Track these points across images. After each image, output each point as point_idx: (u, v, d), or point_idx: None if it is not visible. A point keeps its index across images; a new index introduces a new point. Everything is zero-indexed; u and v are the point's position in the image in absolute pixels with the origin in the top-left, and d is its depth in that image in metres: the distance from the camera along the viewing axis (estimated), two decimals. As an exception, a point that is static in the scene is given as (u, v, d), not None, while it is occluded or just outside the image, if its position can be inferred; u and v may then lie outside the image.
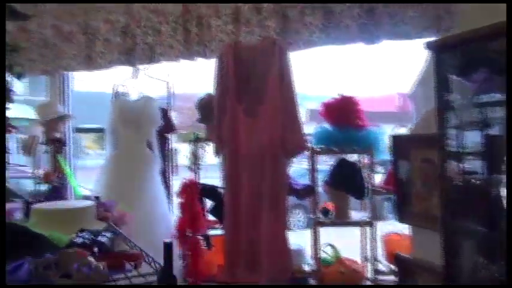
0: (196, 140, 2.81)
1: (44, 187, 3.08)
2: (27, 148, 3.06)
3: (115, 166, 2.88)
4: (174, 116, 3.05)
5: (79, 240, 1.35)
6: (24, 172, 3.18)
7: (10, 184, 2.90)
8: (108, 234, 1.44)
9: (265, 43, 2.59)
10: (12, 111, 2.62)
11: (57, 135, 3.18)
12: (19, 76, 2.33)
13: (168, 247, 1.05)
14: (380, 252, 2.69)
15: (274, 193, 2.50)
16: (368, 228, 2.71)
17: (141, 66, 3.10)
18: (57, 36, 3.31)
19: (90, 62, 3.27)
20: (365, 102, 2.85)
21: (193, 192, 2.73)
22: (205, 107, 2.74)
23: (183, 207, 2.72)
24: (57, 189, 3.04)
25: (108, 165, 2.90)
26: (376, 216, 2.65)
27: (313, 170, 2.71)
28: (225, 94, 2.60)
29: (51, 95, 3.51)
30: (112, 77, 3.12)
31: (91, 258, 1.14)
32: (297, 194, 2.58)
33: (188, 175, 2.81)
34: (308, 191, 2.61)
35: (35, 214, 1.63)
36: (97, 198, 1.89)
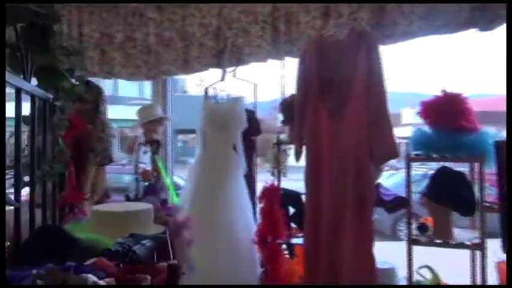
0: (278, 143, 2.64)
1: (143, 184, 3.20)
2: (129, 147, 3.23)
3: (202, 166, 2.87)
4: (260, 118, 2.93)
5: (117, 247, 1.29)
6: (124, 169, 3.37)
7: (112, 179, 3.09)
8: (149, 243, 1.35)
9: (351, 36, 2.30)
10: (121, 112, 2.77)
11: (156, 136, 3.30)
12: (81, 80, 2.42)
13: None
14: (492, 281, 2.20)
15: (358, 202, 2.21)
16: (478, 252, 2.23)
17: (229, 69, 3.05)
18: (159, 43, 3.44)
19: (187, 66, 3.34)
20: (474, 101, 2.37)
21: (274, 197, 2.57)
22: (288, 108, 2.56)
23: (264, 212, 2.59)
24: (153, 187, 3.15)
25: (195, 166, 2.91)
26: (486, 236, 2.16)
27: (408, 180, 2.33)
28: (306, 93, 2.38)
29: (155, 98, 3.67)
30: (205, 80, 3.12)
31: (95, 278, 1.05)
32: (385, 207, 2.24)
33: (272, 179, 2.65)
34: (397, 204, 2.25)
35: (94, 215, 1.64)
36: (164, 201, 1.84)
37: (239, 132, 2.87)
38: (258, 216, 2.64)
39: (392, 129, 2.22)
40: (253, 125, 2.92)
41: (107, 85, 3.29)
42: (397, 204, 2.24)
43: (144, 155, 3.26)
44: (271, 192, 2.58)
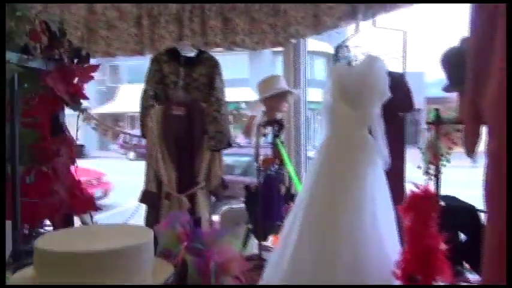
0: (437, 122, 1.55)
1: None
2: (247, 129, 2.56)
3: (324, 155, 1.98)
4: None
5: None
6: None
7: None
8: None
9: None
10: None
11: (279, 115, 2.54)
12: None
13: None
14: None
15: None
16: None
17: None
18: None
19: (317, 23, 2.46)
20: None
21: (429, 211, 1.52)
22: (457, 62, 1.44)
23: (411, 233, 1.56)
24: (271, 179, 2.41)
25: (317, 155, 2.03)
26: None
27: None
28: (487, 46, 1.24)
29: (285, 69, 2.90)
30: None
31: None
32: None
33: (425, 181, 1.59)
34: None
35: (37, 254, 0.96)
36: (197, 221, 1.07)
37: (377, 106, 1.86)
38: (403, 237, 1.62)
39: None
40: (402, 96, 1.86)
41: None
42: None
43: (265, 138, 2.54)
44: (423, 203, 1.54)
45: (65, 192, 2.86)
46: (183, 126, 2.54)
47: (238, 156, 4.27)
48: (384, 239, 1.72)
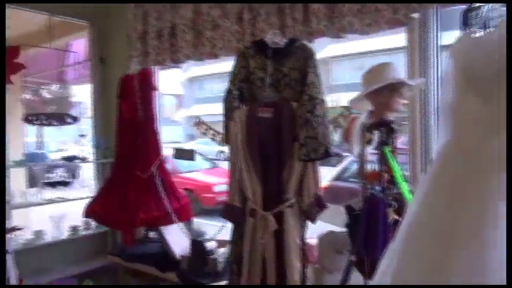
0: None
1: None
2: (346, 133, 1.99)
3: (444, 169, 1.31)
4: None
5: None
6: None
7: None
8: None
9: None
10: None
11: (391, 116, 1.90)
12: None
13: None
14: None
15: None
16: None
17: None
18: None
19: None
20: None
21: None
22: None
23: None
24: (376, 201, 1.80)
25: (434, 166, 1.37)
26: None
27: None
28: None
29: (409, 55, 2.21)
30: None
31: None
32: None
33: None
34: None
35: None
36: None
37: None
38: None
39: None
40: None
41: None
42: None
43: (371, 146, 1.93)
44: None
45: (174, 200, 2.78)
46: (270, 131, 2.12)
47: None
48: None
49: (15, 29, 3.43)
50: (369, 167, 1.93)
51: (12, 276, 2.50)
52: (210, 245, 2.66)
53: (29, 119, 3.17)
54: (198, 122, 3.12)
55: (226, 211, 2.21)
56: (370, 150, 1.93)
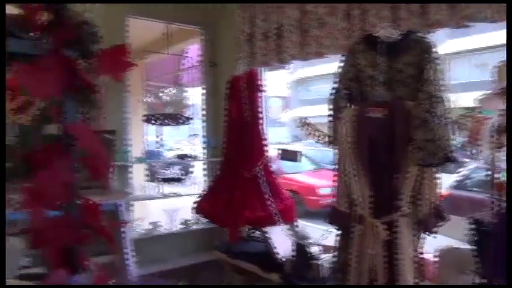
0: None
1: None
2: (472, 136, 1.75)
3: None
4: None
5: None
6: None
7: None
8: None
9: None
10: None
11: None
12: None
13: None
14: None
15: None
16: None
17: None
18: None
19: None
20: None
21: None
22: None
23: None
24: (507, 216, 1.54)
25: None
26: None
27: None
28: None
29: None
30: None
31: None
32: None
33: None
34: None
35: None
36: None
37: None
38: None
39: None
40: None
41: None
42: None
43: (501, 151, 1.67)
44: None
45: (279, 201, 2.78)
46: (382, 132, 1.96)
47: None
48: None
49: (138, 38, 3.77)
50: (501, 175, 1.66)
51: (131, 263, 2.72)
52: (314, 249, 2.57)
53: (149, 118, 3.44)
54: (303, 123, 3.06)
55: (331, 216, 2.10)
56: (502, 156, 1.66)
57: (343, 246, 2.12)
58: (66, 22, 0.78)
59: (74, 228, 0.71)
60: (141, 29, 3.56)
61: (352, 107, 2.08)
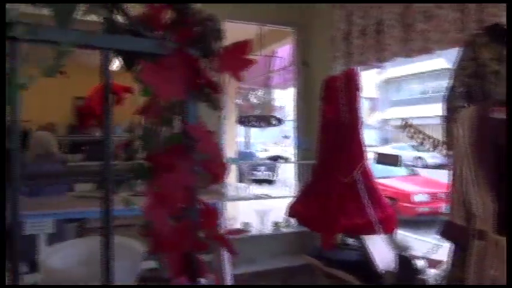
0: None
1: None
2: None
3: None
4: None
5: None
6: None
7: None
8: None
9: None
10: None
11: None
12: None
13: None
14: None
15: None
16: None
17: None
18: None
19: None
20: None
21: None
22: None
23: None
24: None
25: None
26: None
27: None
28: None
29: None
30: None
31: None
32: None
33: None
34: None
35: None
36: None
37: None
38: None
39: None
40: None
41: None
42: None
43: None
44: None
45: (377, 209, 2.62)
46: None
47: None
48: None
49: (232, 41, 3.83)
50: None
51: (227, 263, 2.74)
52: (420, 263, 2.35)
53: (242, 120, 3.47)
54: (405, 125, 2.84)
55: (447, 230, 1.88)
56: None
57: (458, 264, 1.88)
58: (190, 20, 0.76)
59: (194, 234, 0.67)
60: (235, 32, 3.61)
61: (471, 106, 1.84)
